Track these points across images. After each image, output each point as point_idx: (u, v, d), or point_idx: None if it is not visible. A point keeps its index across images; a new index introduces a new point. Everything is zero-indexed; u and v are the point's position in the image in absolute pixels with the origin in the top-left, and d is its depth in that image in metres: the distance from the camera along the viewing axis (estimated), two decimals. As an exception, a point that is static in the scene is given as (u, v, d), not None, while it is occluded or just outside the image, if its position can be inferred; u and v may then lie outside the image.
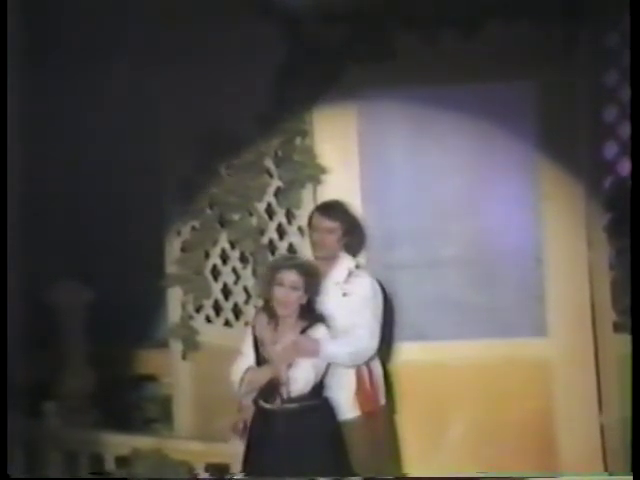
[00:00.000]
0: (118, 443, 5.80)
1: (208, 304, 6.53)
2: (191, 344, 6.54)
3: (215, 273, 6.49)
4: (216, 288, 6.48)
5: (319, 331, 5.11)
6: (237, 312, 6.38)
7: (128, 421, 6.84)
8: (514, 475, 5.46)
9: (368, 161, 5.91)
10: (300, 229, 5.96)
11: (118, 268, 7.30)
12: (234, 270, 6.39)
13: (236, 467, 5.34)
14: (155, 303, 7.00)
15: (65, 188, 7.45)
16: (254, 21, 5.84)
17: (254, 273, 6.20)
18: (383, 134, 5.93)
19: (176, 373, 6.73)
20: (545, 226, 5.89)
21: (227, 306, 6.43)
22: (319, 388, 5.11)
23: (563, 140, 5.84)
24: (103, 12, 6.51)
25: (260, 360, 5.13)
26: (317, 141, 5.92)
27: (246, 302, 6.30)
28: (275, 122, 5.95)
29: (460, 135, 5.90)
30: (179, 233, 6.67)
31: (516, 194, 5.94)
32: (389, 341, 5.71)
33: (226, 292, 6.45)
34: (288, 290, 5.06)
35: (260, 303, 5.58)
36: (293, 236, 6.05)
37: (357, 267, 5.43)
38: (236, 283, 6.38)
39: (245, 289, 6.32)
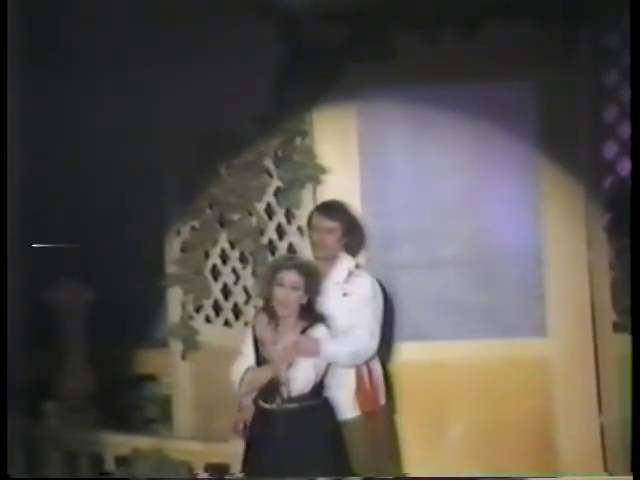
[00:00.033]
0: (118, 443, 5.78)
1: (208, 304, 6.53)
2: (191, 344, 6.54)
3: (215, 273, 6.49)
4: (216, 288, 6.48)
5: (319, 331, 5.10)
6: (237, 312, 6.38)
7: (128, 421, 6.84)
8: (514, 475, 5.47)
9: (368, 161, 5.91)
10: (300, 229, 5.96)
11: (118, 268, 7.31)
12: (234, 270, 6.39)
13: (236, 467, 5.33)
14: (155, 303, 7.00)
15: (65, 188, 7.45)
16: (254, 21, 5.84)
17: (254, 273, 6.20)
18: (383, 134, 5.92)
19: (176, 373, 6.73)
20: (545, 226, 5.89)
21: (227, 306, 6.43)
22: (319, 388, 5.11)
23: (563, 140, 5.84)
24: (103, 12, 6.51)
25: (260, 360, 5.13)
26: (317, 141, 5.92)
27: (246, 302, 6.30)
28: (275, 122, 5.95)
29: (460, 135, 5.90)
30: (179, 233, 6.67)
31: (516, 194, 5.94)
32: (389, 341, 5.71)
33: (226, 292, 6.45)
34: (288, 290, 5.06)
35: (260, 303, 5.59)
36: (293, 236, 6.04)
37: (357, 267, 5.43)
38: (236, 283, 6.38)
39: (245, 289, 6.32)
